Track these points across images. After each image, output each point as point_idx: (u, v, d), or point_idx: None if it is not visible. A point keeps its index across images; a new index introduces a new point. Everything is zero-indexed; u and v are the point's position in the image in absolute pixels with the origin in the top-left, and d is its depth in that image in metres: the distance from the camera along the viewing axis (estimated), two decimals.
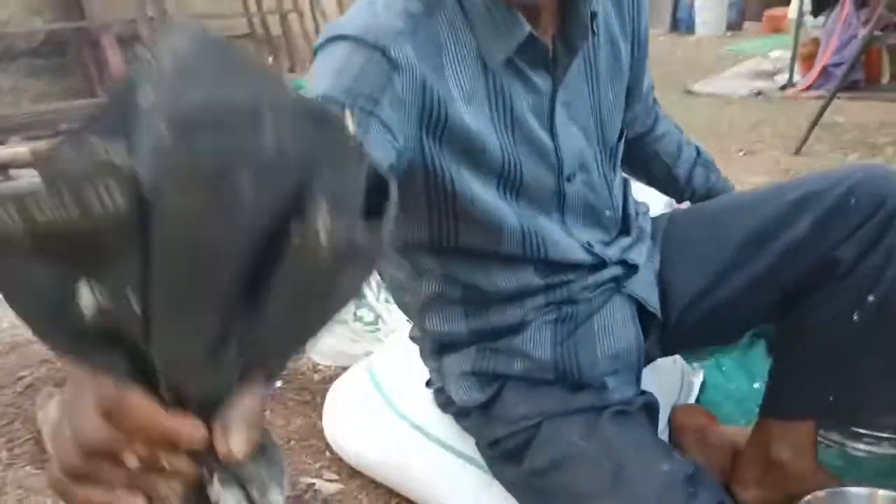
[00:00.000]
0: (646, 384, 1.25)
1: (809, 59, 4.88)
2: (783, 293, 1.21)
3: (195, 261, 0.38)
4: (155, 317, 0.40)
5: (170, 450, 0.44)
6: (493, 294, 1.16)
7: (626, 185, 1.26)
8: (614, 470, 1.05)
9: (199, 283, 0.39)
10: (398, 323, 1.70)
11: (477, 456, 1.28)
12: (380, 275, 1.30)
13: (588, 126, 1.13)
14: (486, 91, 1.02)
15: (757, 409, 1.35)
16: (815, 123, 3.48)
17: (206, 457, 0.45)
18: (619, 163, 1.22)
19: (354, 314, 1.69)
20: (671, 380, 1.55)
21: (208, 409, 0.44)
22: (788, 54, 5.01)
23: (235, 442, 0.44)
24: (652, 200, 1.43)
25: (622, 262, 1.20)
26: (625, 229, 1.24)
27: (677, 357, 1.59)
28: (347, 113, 0.44)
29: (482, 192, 1.05)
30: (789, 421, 1.27)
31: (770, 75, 5.32)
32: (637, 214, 1.27)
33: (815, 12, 4.87)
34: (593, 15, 1.07)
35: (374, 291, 1.71)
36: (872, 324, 1.14)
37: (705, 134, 3.63)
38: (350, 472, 1.48)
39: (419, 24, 0.97)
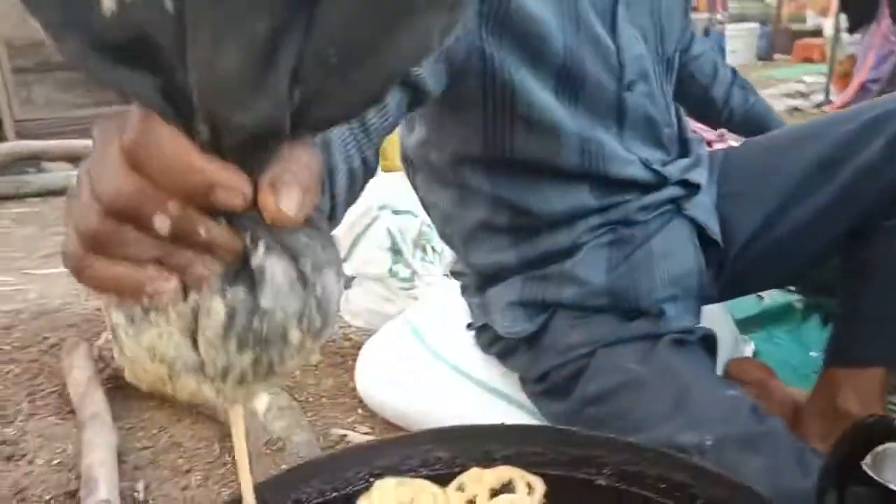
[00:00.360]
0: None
1: (845, 78, 4.82)
2: (851, 224, 1.14)
3: None
4: (190, 15, 0.31)
5: (206, 205, 0.35)
6: (544, 217, 1.10)
7: (678, 108, 1.20)
8: (676, 394, 0.98)
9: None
10: (434, 279, 1.63)
11: (520, 396, 1.20)
12: (423, 205, 1.24)
13: (648, 31, 1.07)
14: None
15: (814, 376, 1.27)
16: None
17: (250, 223, 0.37)
18: (674, 78, 1.16)
19: (390, 270, 1.62)
20: (723, 340, 1.46)
21: (253, 160, 0.35)
22: (822, 79, 4.96)
23: (287, 200, 0.35)
24: None
25: (683, 182, 1.13)
26: (683, 151, 1.17)
27: (729, 318, 1.51)
28: None
29: (541, 94, 0.99)
30: (857, 368, 1.18)
31: (805, 95, 5.26)
32: (682, 121, 1.20)
33: (852, 29, 4.81)
34: None
35: (410, 247, 1.64)
36: None
37: None
38: (384, 426, 1.41)
39: None
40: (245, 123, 0.34)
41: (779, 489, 0.85)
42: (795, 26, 8.33)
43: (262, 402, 0.41)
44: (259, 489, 0.56)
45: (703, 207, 1.14)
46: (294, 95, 0.34)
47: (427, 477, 0.82)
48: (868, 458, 1.14)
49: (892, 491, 0.69)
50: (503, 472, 0.81)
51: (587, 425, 1.08)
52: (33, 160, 3.51)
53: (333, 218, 0.75)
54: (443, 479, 0.81)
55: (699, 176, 1.14)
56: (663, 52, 1.10)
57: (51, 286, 2.23)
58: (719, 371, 1.37)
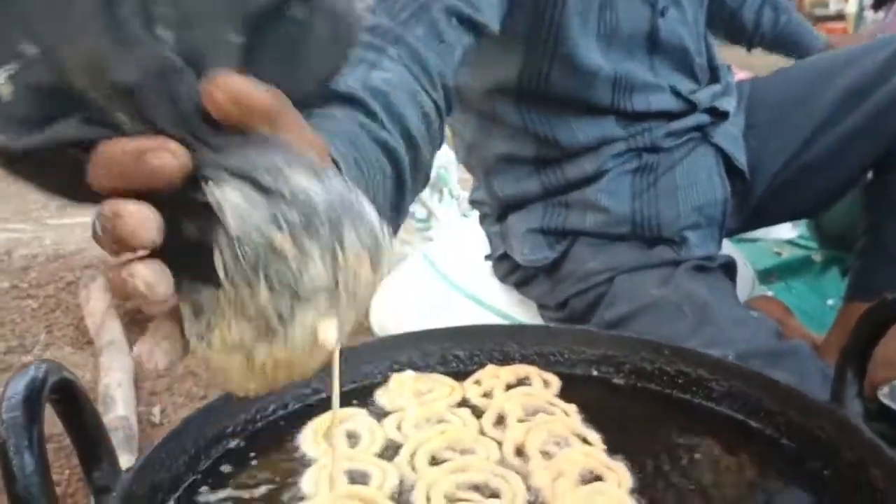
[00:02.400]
0: None
1: None
2: (877, 155, 1.12)
3: None
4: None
5: (148, 179, 0.34)
6: (570, 147, 1.09)
7: (707, 36, 1.19)
8: (697, 315, 0.97)
9: None
10: (450, 220, 1.63)
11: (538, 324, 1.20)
12: (450, 131, 1.23)
13: None
14: None
15: (831, 323, 1.27)
16: None
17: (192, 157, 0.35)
18: (707, 4, 1.15)
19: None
20: (742, 278, 1.45)
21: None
22: None
23: (225, 86, 0.34)
24: None
25: (711, 110, 1.12)
26: (713, 78, 1.16)
27: (746, 262, 1.49)
28: None
29: (582, 32, 1.00)
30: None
31: None
32: (722, 68, 1.19)
33: (876, 6, 4.74)
34: None
35: (427, 189, 1.64)
36: None
37: None
38: None
39: None
40: (130, 79, 0.34)
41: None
42: (819, 11, 8.23)
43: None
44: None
45: (729, 136, 1.13)
46: (159, 36, 0.35)
47: (444, 373, 0.81)
48: (885, 388, 1.14)
49: None
50: (519, 369, 0.81)
51: None
52: None
53: (421, 163, 0.69)
54: (460, 376, 0.80)
55: (728, 104, 1.13)
56: None
57: (67, 234, 2.25)
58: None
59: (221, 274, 0.35)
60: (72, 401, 0.51)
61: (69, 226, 2.32)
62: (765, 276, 1.66)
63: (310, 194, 0.36)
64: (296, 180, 0.36)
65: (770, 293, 1.58)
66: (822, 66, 1.19)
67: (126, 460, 1.05)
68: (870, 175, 1.18)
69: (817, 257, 1.71)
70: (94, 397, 1.28)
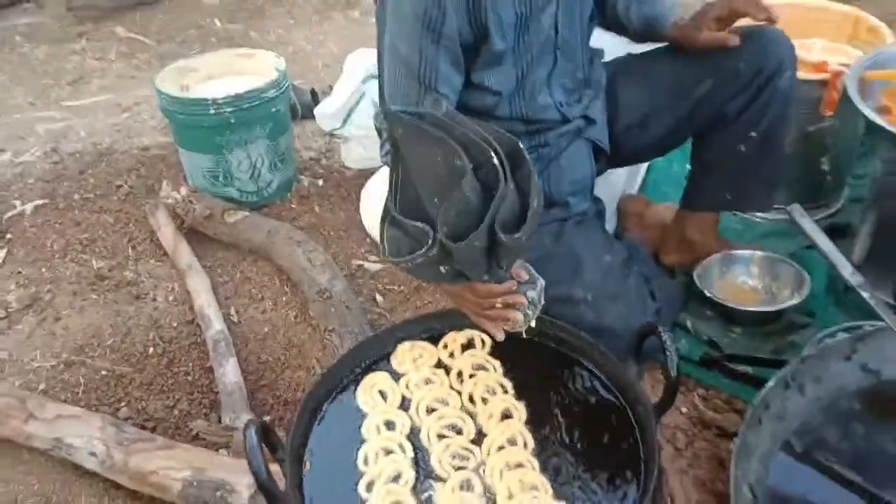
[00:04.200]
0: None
1: None
2: (698, 129, 1.70)
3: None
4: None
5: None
6: None
7: (588, 48, 1.67)
8: (573, 264, 1.59)
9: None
10: None
11: None
12: None
13: None
14: None
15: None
16: None
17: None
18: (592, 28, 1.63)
19: (377, 129, 2.15)
20: (618, 172, 2.05)
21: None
22: None
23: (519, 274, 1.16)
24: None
25: (584, 118, 1.65)
26: (587, 84, 1.67)
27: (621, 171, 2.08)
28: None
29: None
30: (698, 212, 1.81)
31: None
32: (593, 60, 1.68)
33: None
34: None
35: None
36: (752, 151, 1.65)
37: None
38: None
39: None
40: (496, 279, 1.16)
41: (629, 325, 1.50)
42: None
43: None
44: (339, 365, 1.32)
45: (598, 130, 1.68)
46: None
47: (426, 339, 1.47)
48: (698, 269, 1.78)
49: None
50: (467, 333, 1.47)
51: None
52: None
53: None
54: (435, 340, 1.47)
55: (594, 111, 1.66)
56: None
57: (92, 121, 2.72)
58: (614, 205, 1.99)
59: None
60: None
61: (87, 107, 2.78)
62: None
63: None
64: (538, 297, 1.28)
65: (635, 192, 2.18)
66: (665, 64, 1.69)
67: (231, 361, 1.73)
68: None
69: None
70: (189, 306, 1.94)
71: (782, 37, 1.61)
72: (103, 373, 1.81)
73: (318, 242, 2.03)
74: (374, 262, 2.03)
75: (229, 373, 1.72)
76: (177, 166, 2.42)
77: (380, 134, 1.47)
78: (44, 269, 2.11)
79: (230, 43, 3.37)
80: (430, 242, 1.16)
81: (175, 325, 1.92)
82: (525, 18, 1.46)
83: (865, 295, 1.37)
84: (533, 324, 1.34)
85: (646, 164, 2.21)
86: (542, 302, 1.32)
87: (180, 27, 3.55)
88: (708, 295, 1.73)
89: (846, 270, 1.41)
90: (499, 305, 1.29)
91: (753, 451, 1.27)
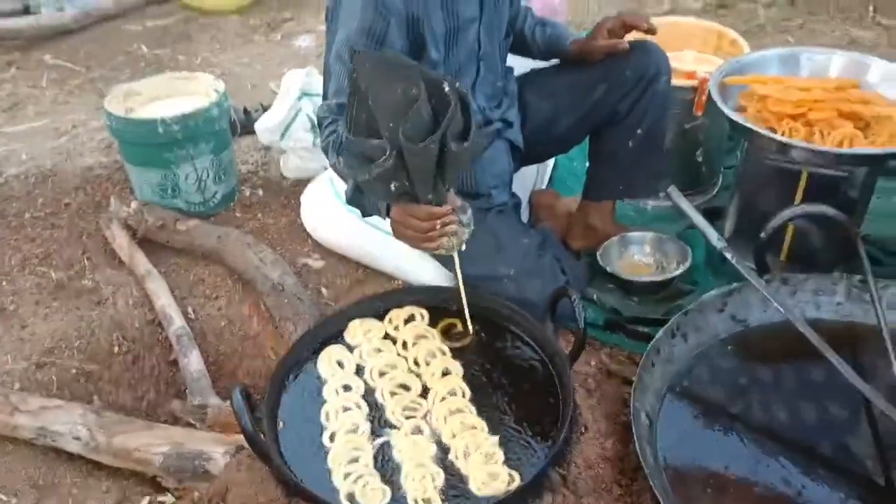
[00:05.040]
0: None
1: None
2: (593, 127, 2.00)
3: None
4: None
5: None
6: None
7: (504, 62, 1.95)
8: (496, 244, 1.86)
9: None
10: None
11: None
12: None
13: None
14: None
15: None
16: None
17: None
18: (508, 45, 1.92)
19: (312, 142, 2.39)
20: (529, 171, 2.34)
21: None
22: None
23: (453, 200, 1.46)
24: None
25: (502, 120, 1.93)
26: (505, 91, 1.95)
27: (534, 169, 2.38)
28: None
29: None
30: (597, 202, 2.12)
31: None
32: (507, 73, 1.97)
33: None
34: None
35: None
36: (639, 146, 1.96)
37: None
38: (328, 253, 2.26)
39: None
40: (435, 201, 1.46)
41: (545, 296, 1.77)
42: None
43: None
44: (301, 342, 1.56)
45: (514, 131, 1.96)
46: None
47: (373, 316, 1.72)
48: (600, 249, 2.07)
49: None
50: (409, 310, 1.73)
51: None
52: None
53: None
54: (380, 316, 1.71)
55: (511, 114, 1.95)
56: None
57: (35, 146, 2.85)
58: (527, 199, 2.28)
59: None
60: None
61: (25, 133, 2.91)
62: None
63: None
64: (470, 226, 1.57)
65: (544, 187, 2.48)
66: (567, 77, 1.99)
67: (194, 353, 1.93)
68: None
69: None
70: (149, 308, 2.12)
71: (658, 48, 1.93)
72: (73, 371, 1.98)
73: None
74: (317, 260, 2.25)
75: (193, 362, 1.92)
76: (122, 183, 2.58)
77: (320, 125, 1.71)
78: (4, 283, 2.25)
79: (159, 67, 3.53)
80: (387, 153, 1.38)
81: (137, 325, 2.10)
82: (455, 31, 1.73)
83: (728, 255, 1.69)
84: (464, 247, 1.59)
85: (552, 163, 2.51)
86: (472, 227, 1.57)
87: (108, 54, 3.68)
88: (609, 271, 2.03)
89: (713, 237, 1.73)
90: (437, 228, 1.51)
91: (648, 388, 1.56)
